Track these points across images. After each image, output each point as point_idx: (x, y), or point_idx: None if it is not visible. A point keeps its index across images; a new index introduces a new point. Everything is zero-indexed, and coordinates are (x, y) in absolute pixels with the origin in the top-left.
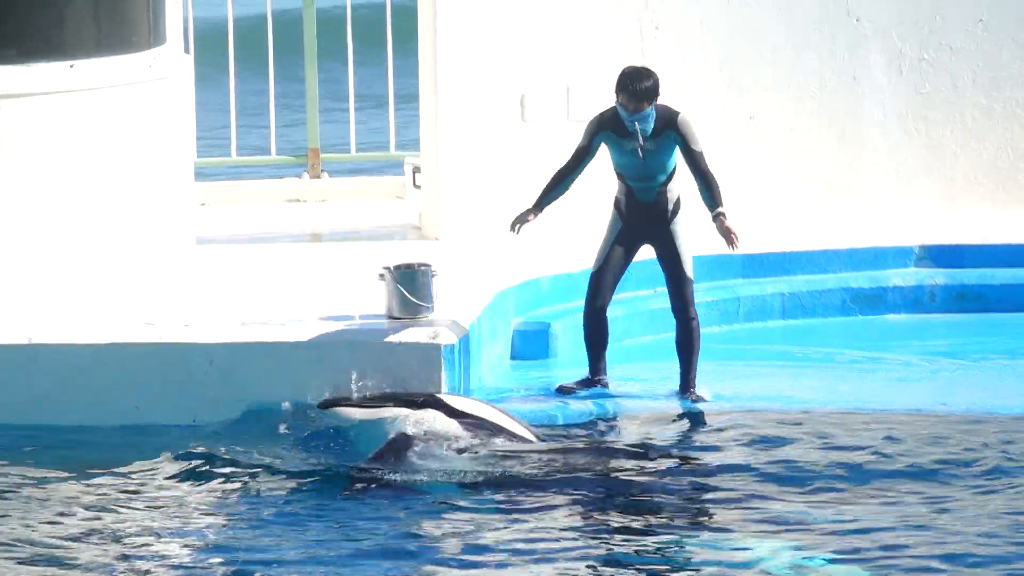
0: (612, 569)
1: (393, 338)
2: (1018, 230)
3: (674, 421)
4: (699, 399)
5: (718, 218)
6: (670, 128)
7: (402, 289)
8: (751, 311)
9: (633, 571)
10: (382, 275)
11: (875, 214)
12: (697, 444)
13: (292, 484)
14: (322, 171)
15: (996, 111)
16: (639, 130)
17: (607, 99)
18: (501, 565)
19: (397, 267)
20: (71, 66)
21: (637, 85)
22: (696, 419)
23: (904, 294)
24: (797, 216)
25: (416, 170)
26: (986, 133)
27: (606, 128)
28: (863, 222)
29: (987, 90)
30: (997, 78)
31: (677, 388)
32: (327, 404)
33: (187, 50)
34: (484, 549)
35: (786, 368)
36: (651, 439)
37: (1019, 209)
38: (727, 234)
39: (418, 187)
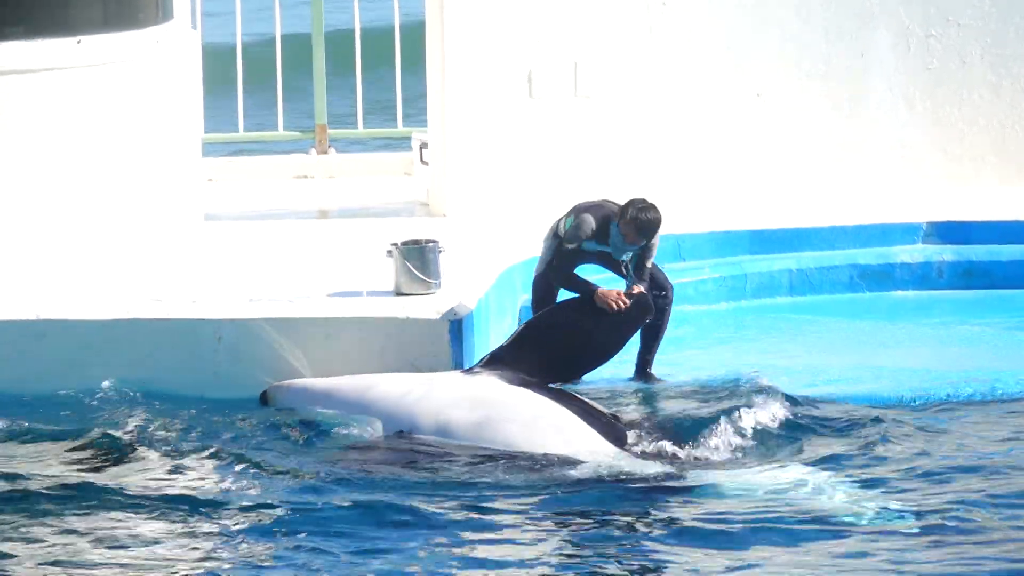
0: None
1: (401, 314)
2: None
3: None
4: (658, 382)
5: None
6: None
7: (410, 265)
8: (759, 287)
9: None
10: (390, 251)
11: (882, 191)
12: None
13: (301, 458)
14: (329, 147)
15: (1004, 88)
16: (624, 258)
17: (614, 76)
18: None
19: (405, 243)
20: (78, 42)
21: (644, 217)
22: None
23: (912, 271)
24: (804, 193)
25: (424, 146)
26: (994, 110)
27: (592, 239)
28: (870, 199)
29: (995, 67)
30: (1005, 55)
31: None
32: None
33: (194, 26)
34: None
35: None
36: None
37: None
38: (618, 299)
39: (426, 163)
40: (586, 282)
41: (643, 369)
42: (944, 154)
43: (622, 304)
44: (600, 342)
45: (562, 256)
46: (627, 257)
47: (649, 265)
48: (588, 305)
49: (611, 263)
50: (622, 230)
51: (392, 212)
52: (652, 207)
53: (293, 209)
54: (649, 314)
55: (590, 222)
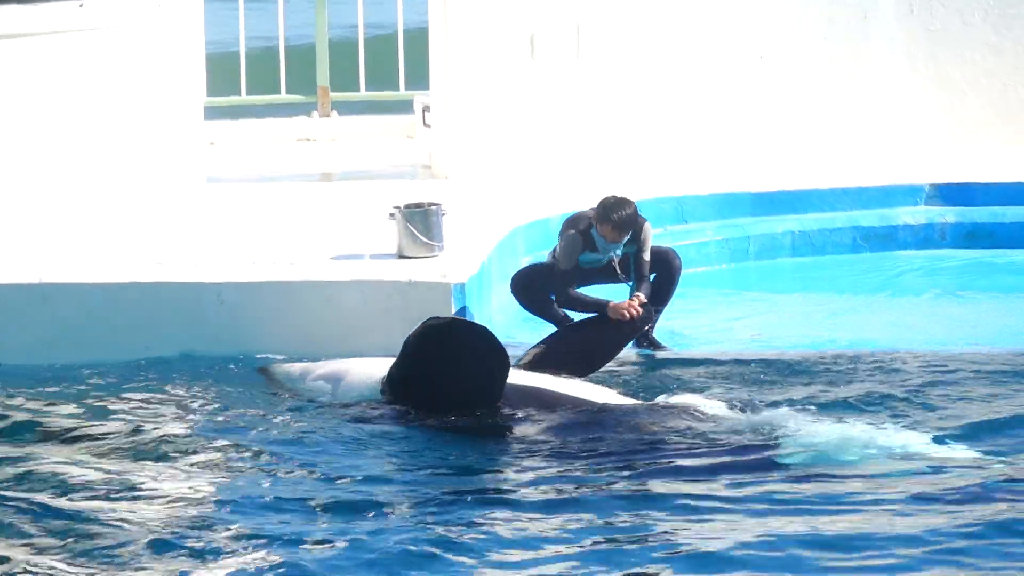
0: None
1: (403, 277)
2: None
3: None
4: (660, 345)
5: (636, 297)
6: (632, 239)
7: (412, 228)
8: (761, 249)
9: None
10: (392, 214)
11: (885, 152)
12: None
13: (302, 422)
14: (332, 110)
15: (1006, 48)
16: (614, 256)
17: (616, 39)
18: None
19: (407, 206)
20: (80, 5)
21: (619, 215)
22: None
23: (914, 232)
24: (807, 154)
25: (426, 109)
26: (996, 71)
27: (584, 248)
28: (873, 160)
29: (996, 28)
30: (1007, 15)
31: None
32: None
33: None
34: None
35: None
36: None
37: None
38: (630, 308)
39: (428, 126)
40: (595, 300)
41: (645, 334)
42: (946, 115)
43: (635, 311)
44: (606, 349)
45: (562, 280)
46: (619, 253)
47: (647, 258)
48: (595, 320)
49: (609, 273)
50: (601, 232)
51: (395, 175)
52: (622, 202)
53: (295, 172)
54: (649, 320)
55: (576, 238)
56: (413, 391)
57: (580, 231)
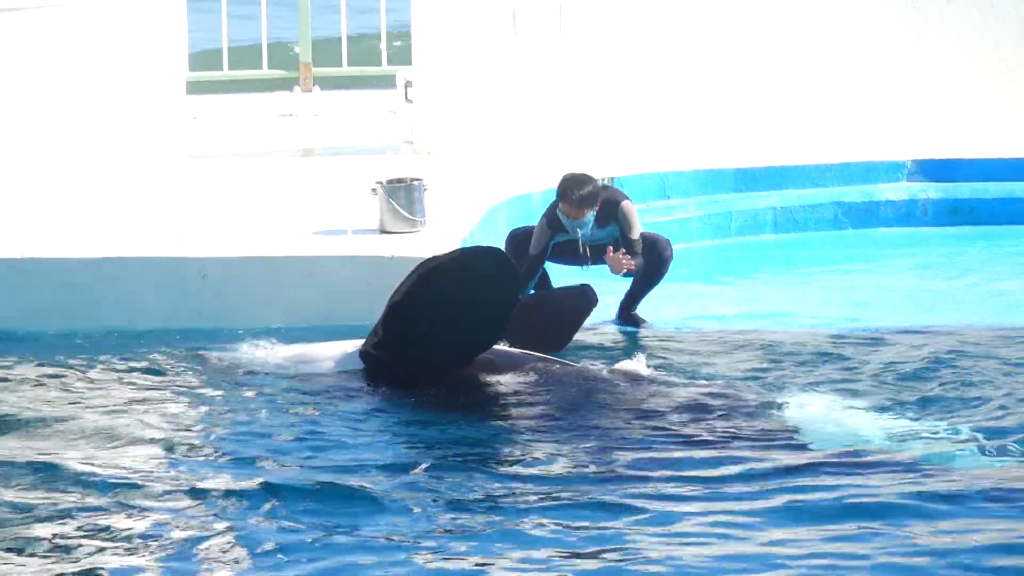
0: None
1: (385, 252)
2: (1011, 144)
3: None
4: (642, 321)
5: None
6: (612, 219)
7: (394, 203)
8: (744, 225)
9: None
10: (374, 189)
11: (867, 129)
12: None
13: (284, 400)
14: (314, 85)
15: (989, 25)
16: (581, 236)
17: (598, 14)
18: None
19: (390, 181)
20: None
21: (577, 193)
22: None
23: (896, 208)
24: (789, 131)
25: (409, 84)
26: (979, 48)
27: (555, 231)
28: (855, 137)
29: (980, 4)
30: None
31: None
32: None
33: None
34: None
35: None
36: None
37: (1012, 123)
38: (623, 261)
39: (410, 101)
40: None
41: (627, 310)
42: (929, 92)
43: (628, 265)
44: (550, 338)
45: (529, 265)
46: (587, 235)
47: (635, 236)
48: (549, 296)
49: (575, 253)
50: (564, 211)
51: (377, 150)
52: (580, 179)
53: (278, 147)
54: (593, 306)
55: (545, 228)
56: (410, 332)
57: (548, 218)
